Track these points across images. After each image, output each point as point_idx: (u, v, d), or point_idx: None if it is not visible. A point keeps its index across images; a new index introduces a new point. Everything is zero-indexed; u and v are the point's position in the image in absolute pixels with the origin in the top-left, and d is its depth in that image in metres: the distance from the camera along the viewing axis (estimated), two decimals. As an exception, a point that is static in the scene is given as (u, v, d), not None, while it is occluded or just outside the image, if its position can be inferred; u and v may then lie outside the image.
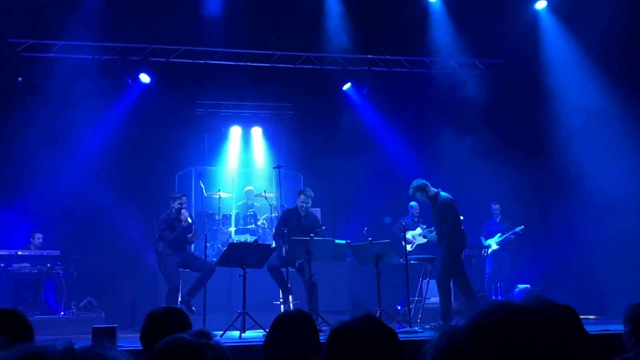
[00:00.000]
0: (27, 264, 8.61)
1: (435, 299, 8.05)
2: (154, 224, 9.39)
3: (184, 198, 7.99)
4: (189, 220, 7.85)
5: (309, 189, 8.04)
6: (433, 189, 7.56)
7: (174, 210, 7.84)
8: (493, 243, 10.34)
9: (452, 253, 7.36)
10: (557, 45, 10.59)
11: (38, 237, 9.31)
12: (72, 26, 9.99)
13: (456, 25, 10.72)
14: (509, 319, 0.82)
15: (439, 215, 7.45)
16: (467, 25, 10.62)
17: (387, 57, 11.38)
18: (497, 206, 10.57)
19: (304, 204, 7.85)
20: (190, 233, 7.81)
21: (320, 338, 2.54)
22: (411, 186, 7.58)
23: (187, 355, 1.60)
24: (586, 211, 9.79)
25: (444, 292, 7.23)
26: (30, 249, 9.06)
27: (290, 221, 7.87)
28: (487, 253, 9.85)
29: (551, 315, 0.83)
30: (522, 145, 10.90)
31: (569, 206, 10.20)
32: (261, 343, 2.65)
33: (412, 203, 9.91)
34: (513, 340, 0.79)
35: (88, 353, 0.74)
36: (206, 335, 1.71)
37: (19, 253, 8.75)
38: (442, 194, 7.51)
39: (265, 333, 2.50)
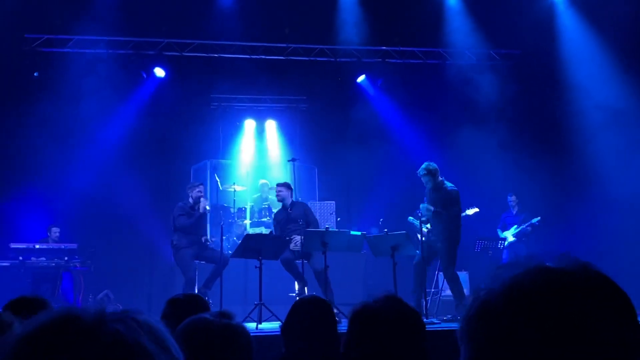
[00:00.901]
0: (45, 258, 8.68)
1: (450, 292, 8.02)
2: (170, 216, 9.46)
3: (202, 187, 8.09)
4: (208, 207, 7.91)
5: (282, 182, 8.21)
6: (439, 177, 7.61)
7: (191, 200, 7.90)
8: (509, 235, 10.25)
9: (455, 242, 7.42)
10: (574, 35, 10.46)
11: (55, 231, 9.40)
12: (87, 21, 10.05)
13: (471, 15, 10.63)
14: (546, 281, 0.79)
15: (443, 203, 7.45)
16: (482, 14, 10.52)
17: (402, 48, 11.32)
18: (513, 198, 10.47)
19: (278, 195, 7.98)
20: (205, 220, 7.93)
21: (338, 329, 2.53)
22: (424, 167, 7.59)
23: (210, 333, 1.60)
24: (604, 206, 9.67)
25: (454, 280, 7.25)
26: (47, 243, 9.15)
27: (278, 216, 8.07)
28: (503, 245, 9.77)
29: (589, 279, 0.80)
30: (539, 138, 10.79)
31: (586, 200, 10.07)
32: (277, 334, 2.65)
33: None
34: (550, 303, 0.77)
35: (121, 316, 0.73)
36: (227, 315, 1.71)
37: (37, 247, 8.82)
38: (448, 183, 7.58)
39: (281, 324, 2.51)
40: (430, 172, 7.57)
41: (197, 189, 7.95)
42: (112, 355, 0.67)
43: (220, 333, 1.63)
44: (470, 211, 8.97)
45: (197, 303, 2.65)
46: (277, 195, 8.06)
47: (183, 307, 2.62)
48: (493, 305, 0.80)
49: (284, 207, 8.04)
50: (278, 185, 8.10)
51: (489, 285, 0.83)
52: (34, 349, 0.67)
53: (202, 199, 7.89)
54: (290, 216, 7.89)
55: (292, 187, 8.23)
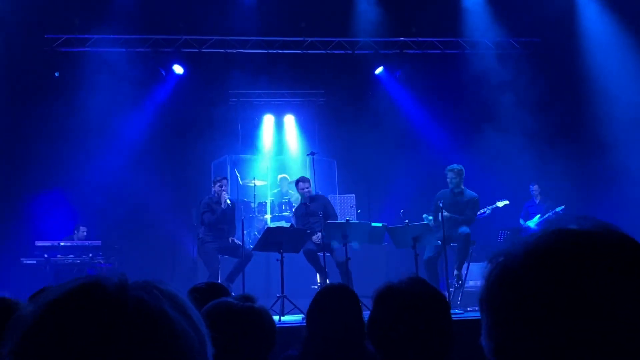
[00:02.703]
0: (70, 255, 8.80)
1: (473, 282, 7.97)
2: (192, 212, 9.54)
3: (224, 181, 8.14)
4: (228, 202, 7.96)
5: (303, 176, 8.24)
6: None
7: (215, 194, 7.98)
8: (532, 224, 10.13)
9: (469, 248, 7.53)
10: (595, 22, 10.28)
11: (82, 230, 9.50)
12: (105, 20, 10.16)
13: (489, 2, 10.50)
14: (568, 242, 0.77)
15: (462, 208, 7.60)
16: (500, 2, 10.39)
17: (420, 39, 11.22)
18: (535, 187, 10.33)
19: (304, 190, 7.96)
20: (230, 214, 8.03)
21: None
22: (454, 169, 7.60)
23: (233, 316, 1.60)
24: (628, 195, 9.50)
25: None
26: (72, 240, 9.26)
27: (298, 213, 8.10)
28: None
29: (611, 239, 0.77)
30: (561, 127, 10.63)
31: (610, 188, 9.90)
32: (301, 325, 2.65)
33: None
34: (573, 265, 0.74)
35: (144, 285, 0.73)
36: (250, 299, 1.71)
37: (62, 244, 8.93)
38: (469, 191, 7.77)
39: (304, 316, 2.50)
40: (460, 174, 7.65)
41: (218, 184, 8.04)
42: (135, 322, 0.67)
43: (244, 315, 1.63)
44: (501, 203, 8.98)
45: (219, 291, 2.65)
46: (305, 191, 8.01)
47: (205, 295, 2.63)
48: (513, 269, 0.78)
49: (303, 201, 8.06)
50: (302, 181, 8.06)
51: (508, 250, 0.80)
52: (57, 316, 0.67)
53: (223, 194, 7.95)
54: (310, 209, 7.90)
55: (311, 180, 8.26)
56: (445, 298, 1.79)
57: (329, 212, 7.88)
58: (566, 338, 0.72)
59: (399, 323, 1.66)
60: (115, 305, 0.68)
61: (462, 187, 7.74)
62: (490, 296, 0.80)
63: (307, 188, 8.02)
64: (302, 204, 8.10)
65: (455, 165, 7.77)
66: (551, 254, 0.76)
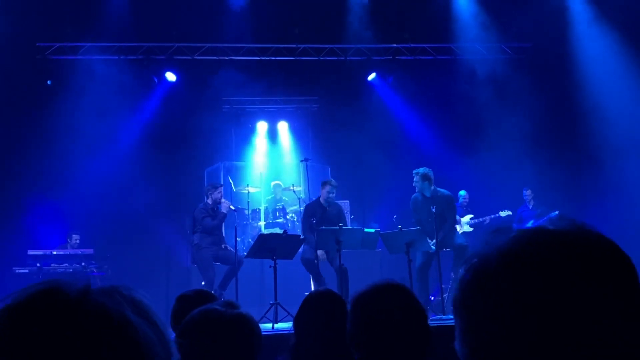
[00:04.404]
0: (62, 264, 8.74)
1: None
2: (185, 220, 9.50)
3: (222, 188, 8.18)
4: (232, 207, 8.04)
5: (333, 180, 8.05)
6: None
7: (210, 201, 7.93)
8: (526, 230, 10.15)
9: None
10: (587, 26, 10.30)
11: (75, 238, 9.46)
12: (97, 28, 10.14)
13: (481, 8, 10.54)
14: (543, 242, 0.75)
15: (441, 211, 7.46)
16: (491, 8, 10.43)
17: (412, 45, 11.25)
18: (528, 192, 10.34)
19: (331, 194, 7.82)
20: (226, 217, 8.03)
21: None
22: (418, 172, 7.61)
23: (218, 323, 1.59)
24: (621, 200, 9.51)
25: None
26: (66, 249, 9.21)
27: (315, 214, 7.80)
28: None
29: (586, 238, 0.76)
30: (554, 131, 10.65)
31: (603, 193, 9.91)
32: (290, 332, 2.63)
33: (462, 192, 9.96)
34: (549, 265, 0.73)
35: (107, 290, 0.72)
36: (234, 305, 1.70)
37: (54, 253, 8.88)
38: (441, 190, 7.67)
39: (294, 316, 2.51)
40: (423, 178, 7.54)
41: (218, 191, 8.00)
42: (95, 327, 0.66)
43: (228, 322, 1.63)
44: (503, 213, 9.02)
45: (206, 299, 2.63)
46: (331, 194, 7.84)
47: (193, 304, 2.60)
48: (486, 272, 0.76)
49: (319, 203, 7.93)
50: (333, 185, 7.93)
51: (483, 252, 0.79)
52: (16, 320, 0.66)
53: (223, 200, 7.94)
54: (328, 213, 7.81)
55: (303, 186, 8.22)
56: (416, 298, 1.80)
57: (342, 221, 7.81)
58: (541, 341, 0.71)
59: (373, 327, 1.68)
60: (74, 311, 0.67)
61: (432, 188, 7.57)
62: (463, 299, 0.79)
63: (333, 194, 7.91)
64: (320, 205, 7.89)
65: (420, 169, 7.65)
66: (524, 255, 0.75)
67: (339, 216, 7.82)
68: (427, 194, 7.59)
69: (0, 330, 0.65)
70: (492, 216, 9.77)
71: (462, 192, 10.12)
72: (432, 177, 7.61)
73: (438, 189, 7.66)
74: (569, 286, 0.71)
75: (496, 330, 0.73)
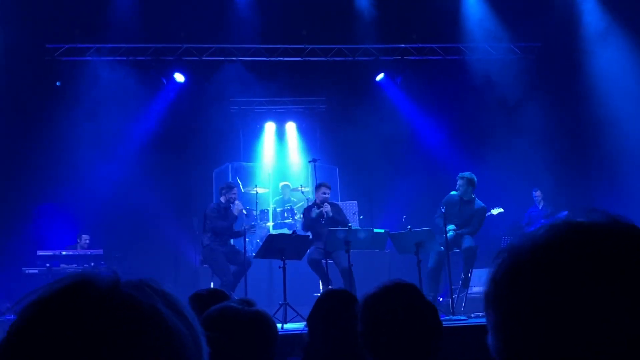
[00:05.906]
0: (71, 264, 8.77)
1: (477, 289, 7.91)
2: (193, 220, 9.51)
3: (236, 189, 8.21)
4: (244, 211, 8.04)
5: (325, 182, 8.16)
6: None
7: (223, 200, 7.94)
8: (536, 231, 10.08)
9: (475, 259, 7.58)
10: (597, 25, 10.24)
11: (85, 238, 9.50)
12: (106, 29, 10.18)
13: (490, 8, 10.51)
14: (577, 235, 0.74)
15: (468, 217, 7.62)
16: (501, 7, 10.39)
17: (420, 45, 11.22)
18: (538, 193, 10.28)
19: (325, 195, 7.88)
20: (250, 225, 8.10)
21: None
22: (464, 176, 7.60)
23: (235, 320, 1.58)
24: (632, 199, 9.45)
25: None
26: (76, 249, 9.25)
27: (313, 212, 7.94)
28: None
29: (623, 232, 0.75)
30: (563, 132, 10.60)
31: (613, 194, 9.85)
32: (303, 332, 2.63)
33: None
34: (584, 258, 0.71)
35: (136, 283, 0.71)
36: (251, 303, 1.69)
37: (64, 253, 8.92)
38: (479, 201, 7.76)
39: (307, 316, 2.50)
40: (469, 183, 7.60)
41: (233, 192, 8.02)
42: (126, 319, 0.65)
43: (248, 320, 1.62)
44: (495, 211, 8.94)
45: (219, 297, 2.63)
46: (325, 194, 7.90)
47: (207, 303, 2.60)
48: (521, 264, 0.75)
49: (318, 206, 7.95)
50: (324, 187, 7.99)
51: (515, 245, 0.78)
52: (46, 314, 0.65)
53: (236, 202, 7.95)
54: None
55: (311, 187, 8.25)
56: (425, 297, 1.80)
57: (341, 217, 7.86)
58: (580, 335, 0.69)
59: (383, 327, 1.68)
60: (105, 303, 0.66)
61: (473, 195, 7.68)
62: (497, 292, 0.77)
63: (327, 194, 7.96)
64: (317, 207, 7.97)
65: (466, 173, 7.72)
66: (560, 247, 0.73)
67: (339, 213, 7.86)
68: (466, 198, 7.62)
69: (33, 324, 0.65)
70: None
71: None
72: (476, 184, 7.65)
73: (477, 198, 7.73)
74: (608, 280, 0.70)
75: (531, 324, 0.72)
